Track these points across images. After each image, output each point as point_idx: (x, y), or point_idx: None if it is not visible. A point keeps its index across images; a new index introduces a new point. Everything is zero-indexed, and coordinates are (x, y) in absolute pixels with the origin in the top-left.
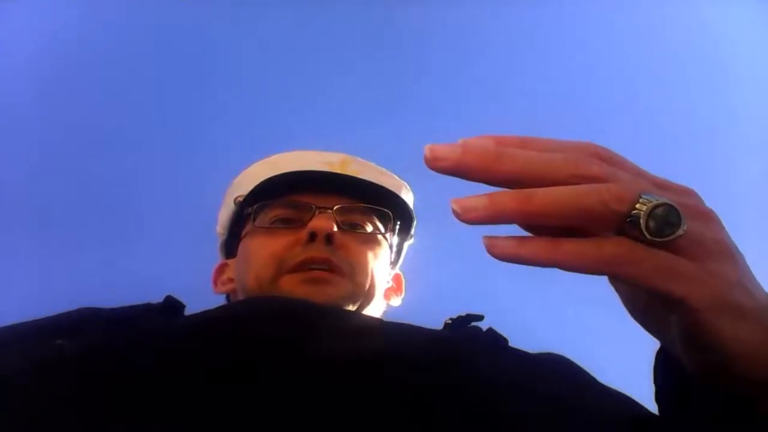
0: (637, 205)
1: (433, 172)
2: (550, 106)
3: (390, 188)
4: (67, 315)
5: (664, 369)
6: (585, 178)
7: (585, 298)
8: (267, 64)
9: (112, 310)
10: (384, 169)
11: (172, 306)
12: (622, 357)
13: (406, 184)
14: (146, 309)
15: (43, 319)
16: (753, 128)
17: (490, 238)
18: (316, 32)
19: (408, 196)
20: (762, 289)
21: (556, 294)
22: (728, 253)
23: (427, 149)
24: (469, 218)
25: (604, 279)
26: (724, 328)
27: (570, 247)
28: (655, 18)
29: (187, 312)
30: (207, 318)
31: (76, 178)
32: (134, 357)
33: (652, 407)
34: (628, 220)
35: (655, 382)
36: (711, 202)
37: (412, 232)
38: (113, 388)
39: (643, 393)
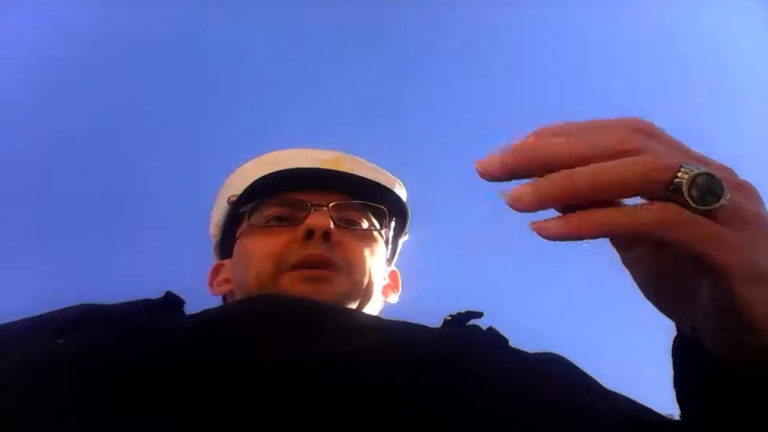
0: (679, 174)
1: (425, 172)
2: (552, 105)
3: (384, 184)
4: (67, 311)
5: (682, 357)
6: (626, 152)
7: (586, 298)
8: (267, 63)
9: (112, 306)
10: (376, 166)
11: (171, 302)
12: (622, 357)
13: (399, 180)
14: (146, 305)
15: (42, 316)
16: (754, 128)
17: (537, 222)
18: (314, 32)
19: (401, 193)
20: None
21: (556, 293)
22: (765, 225)
23: (477, 166)
24: (518, 207)
25: (605, 278)
26: (759, 298)
27: (618, 214)
28: (657, 18)
29: (187, 307)
30: (208, 317)
31: (75, 177)
32: (135, 356)
33: (652, 407)
34: (671, 188)
35: (674, 367)
36: None
37: (407, 228)
38: (113, 387)
39: (643, 393)
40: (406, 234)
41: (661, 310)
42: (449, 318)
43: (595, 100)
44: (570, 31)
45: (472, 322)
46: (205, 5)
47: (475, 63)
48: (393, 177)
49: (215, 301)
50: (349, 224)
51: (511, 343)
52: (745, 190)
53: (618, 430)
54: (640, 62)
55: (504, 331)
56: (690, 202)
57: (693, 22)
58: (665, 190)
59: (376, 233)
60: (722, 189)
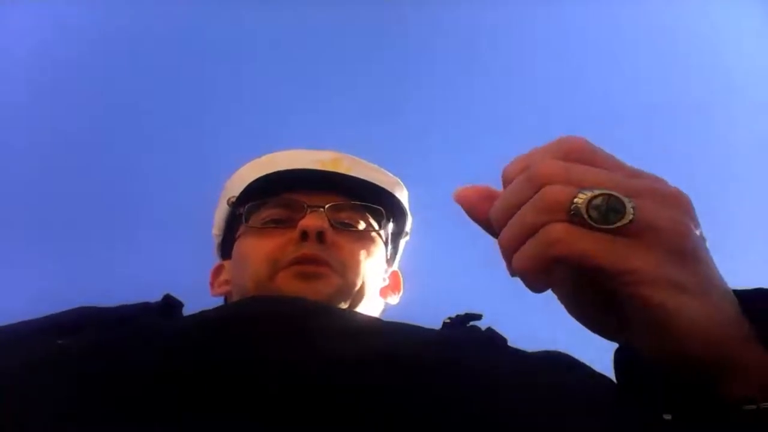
0: (575, 199)
1: (425, 172)
2: (552, 105)
3: (382, 185)
4: (67, 314)
5: (621, 368)
6: (540, 186)
7: None
8: (267, 63)
9: (111, 309)
10: (376, 166)
11: (170, 305)
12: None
13: (399, 180)
14: (145, 308)
15: (42, 319)
16: (753, 128)
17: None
18: (314, 32)
19: (402, 193)
20: (716, 272)
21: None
22: (681, 233)
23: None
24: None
25: None
26: (667, 301)
27: (520, 253)
28: (658, 18)
29: (185, 310)
30: (204, 319)
31: (75, 177)
32: (133, 357)
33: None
34: (572, 213)
35: (618, 380)
36: (710, 198)
37: (407, 228)
38: (112, 388)
39: None
40: (407, 234)
41: (587, 327)
42: (448, 320)
43: (595, 99)
44: (570, 30)
45: (472, 324)
46: (205, 5)
47: (475, 63)
48: (393, 176)
49: (214, 303)
50: (345, 225)
51: (510, 343)
52: (671, 199)
53: (619, 427)
54: (640, 62)
55: (505, 332)
56: (592, 223)
57: (693, 21)
58: (569, 217)
59: (373, 234)
60: (623, 206)
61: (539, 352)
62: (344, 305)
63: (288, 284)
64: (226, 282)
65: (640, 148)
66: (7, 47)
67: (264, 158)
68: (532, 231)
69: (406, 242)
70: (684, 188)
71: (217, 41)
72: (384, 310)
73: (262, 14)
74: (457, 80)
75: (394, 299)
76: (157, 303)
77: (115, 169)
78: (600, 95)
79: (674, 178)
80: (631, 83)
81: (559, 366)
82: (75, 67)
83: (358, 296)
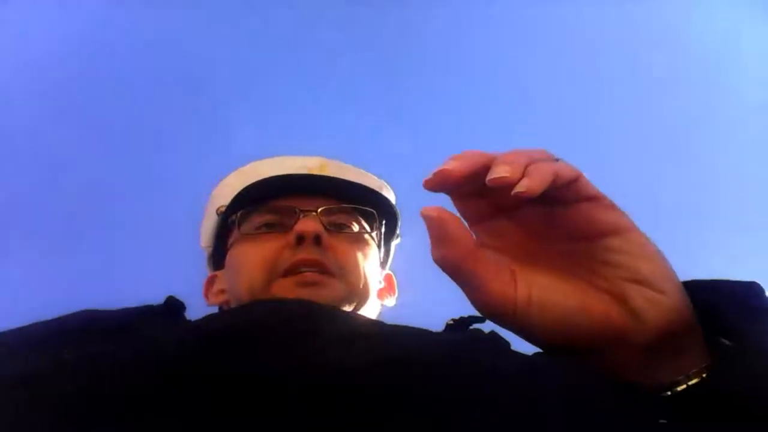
0: None
1: (423, 173)
2: (550, 105)
3: (372, 187)
4: (69, 319)
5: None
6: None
7: None
8: (266, 64)
9: (112, 313)
10: (361, 170)
11: (171, 308)
12: None
13: (385, 183)
14: (147, 311)
15: (44, 323)
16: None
17: (517, 188)
18: (313, 32)
19: (389, 195)
20: None
21: None
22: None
23: (430, 178)
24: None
25: None
26: (644, 243)
27: (555, 167)
28: (658, 18)
29: (188, 313)
30: (210, 323)
31: (75, 178)
32: (136, 366)
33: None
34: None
35: None
36: (712, 200)
37: (398, 230)
38: (114, 397)
39: None
40: (398, 237)
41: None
42: (452, 322)
43: (595, 99)
44: (569, 30)
45: (475, 326)
46: (205, 7)
47: (475, 63)
48: (379, 180)
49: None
50: (339, 228)
51: (513, 347)
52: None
53: (618, 428)
54: (641, 61)
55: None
56: None
57: (689, 21)
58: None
59: (367, 236)
60: None
61: (539, 352)
62: (349, 309)
63: (287, 292)
64: (222, 292)
65: (637, 150)
66: (7, 47)
67: (249, 166)
68: (565, 182)
69: (397, 245)
70: (683, 188)
71: (217, 42)
72: (380, 313)
73: (262, 14)
74: (457, 80)
75: (390, 301)
76: (159, 306)
77: (115, 169)
78: (599, 95)
79: (670, 178)
80: (629, 83)
81: (560, 366)
82: (75, 68)
83: (361, 299)
